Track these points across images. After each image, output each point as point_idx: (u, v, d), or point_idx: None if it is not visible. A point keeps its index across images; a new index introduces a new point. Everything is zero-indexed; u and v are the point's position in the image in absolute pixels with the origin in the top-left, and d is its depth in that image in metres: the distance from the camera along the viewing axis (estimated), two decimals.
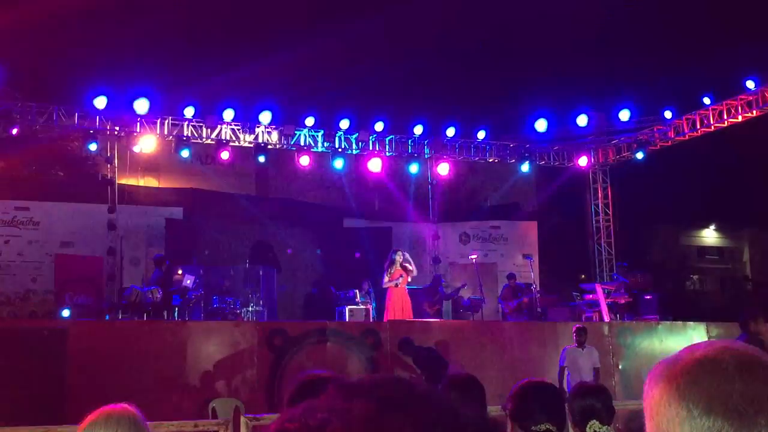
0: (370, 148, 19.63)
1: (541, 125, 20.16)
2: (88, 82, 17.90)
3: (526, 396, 3.50)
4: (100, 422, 2.58)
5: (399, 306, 14.74)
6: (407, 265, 15.02)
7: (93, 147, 17.68)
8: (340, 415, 0.64)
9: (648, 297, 17.36)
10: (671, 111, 19.79)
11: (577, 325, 12.80)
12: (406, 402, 0.66)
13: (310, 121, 18.88)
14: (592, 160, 21.77)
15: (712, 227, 41.22)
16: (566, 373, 11.80)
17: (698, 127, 19.26)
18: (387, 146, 19.89)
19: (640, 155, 20.15)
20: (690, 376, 1.24)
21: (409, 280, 15.30)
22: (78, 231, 19.01)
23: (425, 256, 21.31)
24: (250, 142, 18.78)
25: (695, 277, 39.05)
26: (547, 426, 3.36)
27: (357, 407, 0.65)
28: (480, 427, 0.67)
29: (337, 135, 19.28)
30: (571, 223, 23.49)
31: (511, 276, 18.03)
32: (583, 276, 22.38)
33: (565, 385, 11.04)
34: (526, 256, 19.94)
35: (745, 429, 1.16)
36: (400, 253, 15.37)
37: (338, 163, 19.44)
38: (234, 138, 18.66)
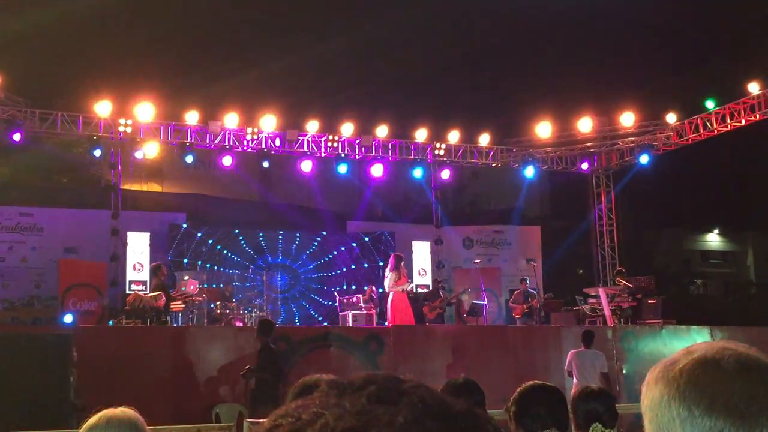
0: (373, 153, 19.64)
1: (544, 130, 20.18)
2: (92, 88, 17.97)
3: (530, 399, 3.48)
4: (101, 426, 2.57)
5: (402, 311, 14.74)
6: (405, 271, 15.11)
7: (97, 153, 17.74)
8: (331, 409, 0.65)
9: (652, 301, 17.31)
10: (674, 115, 19.79)
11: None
12: (396, 395, 0.67)
13: (313, 127, 18.91)
14: (595, 164, 21.75)
15: (716, 231, 41.18)
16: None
17: (701, 131, 19.26)
18: (390, 151, 19.91)
19: (644, 159, 20.05)
20: (690, 376, 1.23)
21: (408, 289, 15.33)
22: (81, 237, 19.01)
23: (428, 260, 21.30)
24: (252, 148, 18.79)
25: (699, 281, 38.96)
26: (553, 430, 3.35)
27: (348, 402, 0.66)
28: (470, 419, 0.67)
29: (340, 140, 19.30)
30: (574, 227, 23.47)
31: (523, 280, 18.01)
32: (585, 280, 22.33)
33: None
34: (530, 261, 19.92)
35: (746, 429, 1.16)
36: (402, 258, 15.41)
37: (341, 168, 19.47)
38: (237, 143, 18.68)
